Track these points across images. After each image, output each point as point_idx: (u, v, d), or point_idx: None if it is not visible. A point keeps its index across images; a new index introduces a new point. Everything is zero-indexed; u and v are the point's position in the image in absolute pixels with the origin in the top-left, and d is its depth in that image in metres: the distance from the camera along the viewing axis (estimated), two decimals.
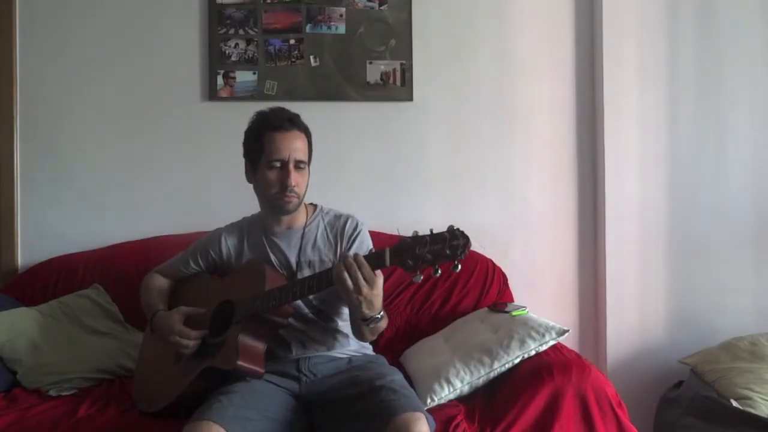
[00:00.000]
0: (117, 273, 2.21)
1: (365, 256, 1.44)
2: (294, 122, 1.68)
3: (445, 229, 1.36)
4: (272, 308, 1.55)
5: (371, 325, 1.51)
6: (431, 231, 1.37)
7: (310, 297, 1.67)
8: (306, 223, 1.76)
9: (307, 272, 1.69)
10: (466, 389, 1.74)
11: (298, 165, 1.66)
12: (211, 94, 2.43)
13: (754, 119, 2.45)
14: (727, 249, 2.44)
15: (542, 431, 1.61)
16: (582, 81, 2.51)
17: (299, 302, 1.66)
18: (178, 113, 2.44)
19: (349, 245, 1.73)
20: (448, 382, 1.73)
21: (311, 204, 1.81)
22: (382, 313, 1.51)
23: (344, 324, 1.74)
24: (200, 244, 1.83)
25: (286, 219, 1.73)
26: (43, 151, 2.40)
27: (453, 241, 1.33)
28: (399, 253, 1.38)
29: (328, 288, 1.51)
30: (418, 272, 1.38)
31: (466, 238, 1.34)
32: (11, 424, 1.59)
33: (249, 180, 1.75)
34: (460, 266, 1.35)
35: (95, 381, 1.90)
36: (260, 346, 1.59)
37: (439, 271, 1.35)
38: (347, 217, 1.78)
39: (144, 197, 2.42)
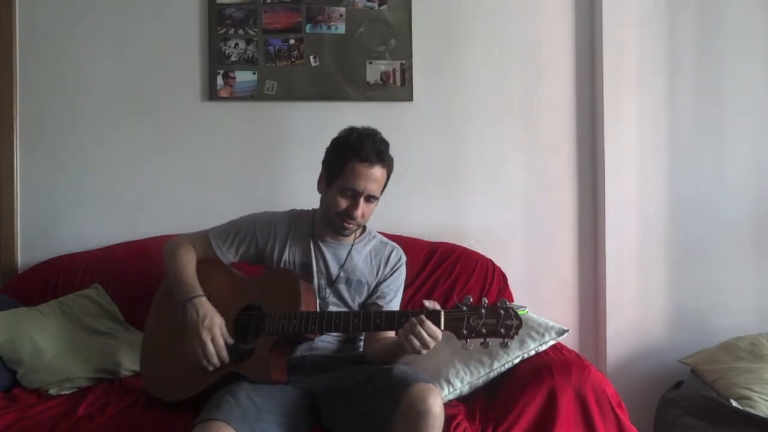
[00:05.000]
0: (117, 273, 2.21)
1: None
2: (380, 156, 1.67)
3: (499, 306, 1.44)
4: (309, 332, 1.57)
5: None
6: (485, 302, 1.45)
7: None
8: (355, 240, 1.78)
9: (343, 287, 1.74)
10: (466, 389, 1.74)
11: (369, 198, 1.68)
12: (211, 94, 2.43)
13: (754, 119, 2.45)
14: (727, 249, 2.44)
15: (542, 431, 1.61)
16: (582, 81, 2.51)
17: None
18: (178, 113, 2.44)
19: (389, 274, 1.78)
20: (448, 382, 1.73)
21: None
22: None
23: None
24: (250, 228, 1.77)
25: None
26: (43, 151, 2.40)
27: (507, 320, 1.43)
28: (454, 321, 1.45)
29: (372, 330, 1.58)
30: (468, 341, 1.44)
31: (520, 320, 1.44)
32: (11, 423, 1.59)
33: (319, 189, 1.76)
34: (510, 344, 1.45)
35: (95, 381, 1.90)
36: (285, 359, 1.62)
37: (489, 344, 1.45)
38: (393, 247, 1.83)
39: (144, 197, 2.42)
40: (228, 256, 1.78)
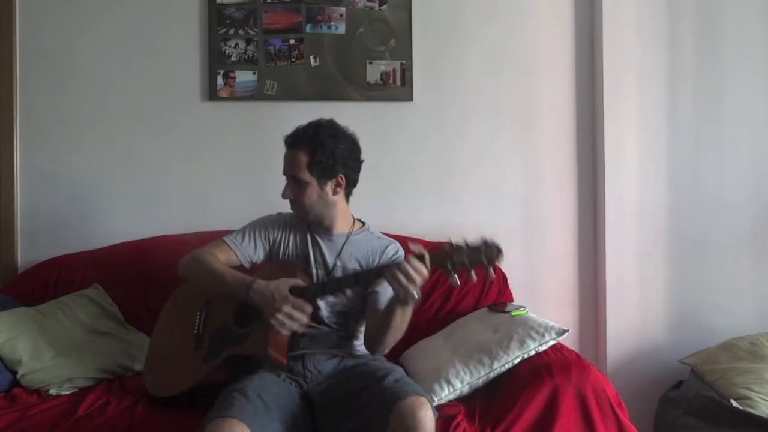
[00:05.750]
0: (117, 273, 2.21)
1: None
2: (296, 140, 1.74)
3: (479, 240, 1.51)
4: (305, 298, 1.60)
5: (411, 304, 1.57)
6: (466, 241, 1.51)
7: (333, 317, 1.75)
8: (349, 232, 1.81)
9: (339, 275, 1.75)
10: (466, 390, 1.74)
11: (294, 180, 1.73)
12: (211, 94, 2.43)
13: (753, 119, 2.45)
14: (726, 249, 2.44)
15: (542, 431, 1.61)
16: (582, 81, 2.51)
17: (323, 313, 1.73)
18: (178, 113, 2.44)
19: (387, 264, 1.78)
20: (448, 382, 1.73)
21: (359, 220, 1.87)
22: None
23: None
24: (260, 226, 1.83)
25: (325, 223, 1.79)
26: (43, 151, 2.40)
27: (488, 252, 1.50)
28: (439, 257, 1.51)
29: (362, 287, 1.66)
30: (456, 276, 1.50)
31: (500, 249, 1.50)
32: (11, 423, 1.59)
33: None
34: (494, 274, 1.51)
35: (95, 381, 1.89)
36: (286, 340, 1.62)
37: (475, 277, 1.50)
38: (391, 242, 1.85)
39: (144, 197, 2.42)
40: (247, 252, 1.79)
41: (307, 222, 1.79)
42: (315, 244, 1.79)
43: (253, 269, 1.80)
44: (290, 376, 1.67)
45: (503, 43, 2.49)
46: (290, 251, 1.80)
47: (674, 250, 2.44)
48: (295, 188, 1.73)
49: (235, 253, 1.78)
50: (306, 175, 1.71)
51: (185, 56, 2.43)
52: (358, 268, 1.77)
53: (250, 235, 1.81)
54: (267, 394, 1.51)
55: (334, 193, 1.76)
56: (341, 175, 1.75)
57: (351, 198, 1.85)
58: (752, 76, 2.45)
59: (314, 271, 1.76)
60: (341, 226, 1.80)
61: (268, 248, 1.81)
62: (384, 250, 1.81)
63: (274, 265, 1.79)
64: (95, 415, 1.66)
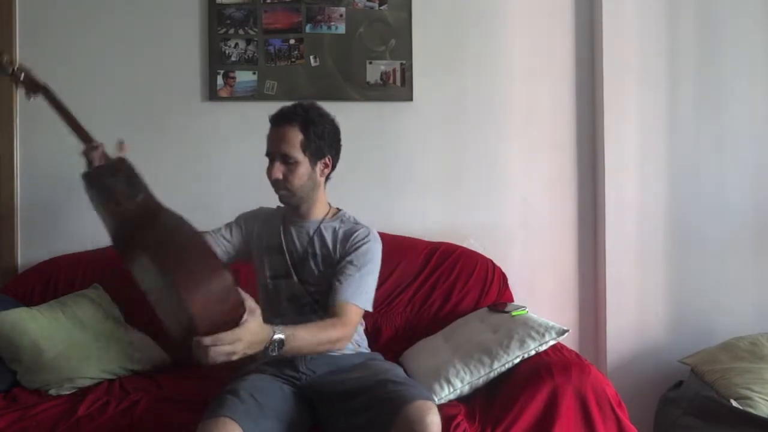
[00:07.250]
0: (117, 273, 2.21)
1: None
2: (287, 117, 1.68)
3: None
4: None
5: (275, 352, 1.38)
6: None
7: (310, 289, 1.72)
8: (323, 219, 1.79)
9: (312, 262, 1.73)
10: (466, 389, 1.74)
11: (285, 159, 1.67)
12: (211, 94, 2.43)
13: (754, 120, 2.46)
14: (727, 249, 2.44)
15: (542, 431, 1.61)
16: (582, 81, 2.51)
17: (301, 289, 1.71)
18: (178, 113, 2.44)
19: (351, 248, 1.71)
20: (448, 382, 1.73)
21: (336, 207, 1.85)
22: (276, 336, 1.37)
23: None
24: (238, 218, 1.87)
25: (301, 209, 1.77)
26: (43, 150, 2.40)
27: None
28: None
29: None
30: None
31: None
32: (11, 423, 1.60)
33: None
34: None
35: (95, 381, 1.90)
36: None
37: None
38: (364, 227, 1.78)
39: None
40: (219, 239, 1.81)
41: (290, 205, 1.75)
42: (287, 233, 1.77)
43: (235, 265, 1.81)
44: (284, 377, 1.66)
45: (503, 43, 2.49)
46: (264, 243, 1.79)
47: (674, 250, 2.44)
48: (285, 168, 1.67)
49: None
50: (299, 154, 1.67)
51: (185, 56, 2.43)
52: (328, 254, 1.74)
53: (227, 229, 1.84)
54: (260, 394, 1.51)
55: (321, 174, 1.74)
56: (329, 156, 1.73)
57: (347, 197, 1.86)
58: (752, 76, 2.45)
59: (288, 258, 1.74)
60: (317, 212, 1.78)
61: (240, 238, 1.82)
62: (352, 235, 1.74)
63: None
64: (95, 415, 1.66)
